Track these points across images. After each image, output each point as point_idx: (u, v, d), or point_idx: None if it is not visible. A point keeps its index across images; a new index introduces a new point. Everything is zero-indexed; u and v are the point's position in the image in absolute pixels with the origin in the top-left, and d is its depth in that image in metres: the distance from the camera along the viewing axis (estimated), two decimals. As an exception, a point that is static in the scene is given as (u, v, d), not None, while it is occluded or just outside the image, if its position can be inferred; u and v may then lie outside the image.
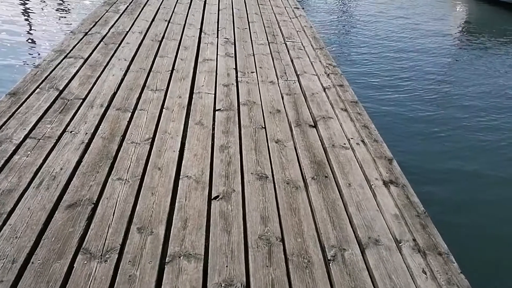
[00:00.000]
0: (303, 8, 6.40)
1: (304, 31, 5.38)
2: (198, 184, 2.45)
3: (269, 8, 6.35)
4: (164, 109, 3.22)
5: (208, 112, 3.26)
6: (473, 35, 11.06)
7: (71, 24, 7.92)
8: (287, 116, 3.31)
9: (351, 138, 3.04)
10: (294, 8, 6.37)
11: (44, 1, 9.38)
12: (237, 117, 3.22)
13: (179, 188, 2.41)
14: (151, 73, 3.82)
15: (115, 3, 5.81)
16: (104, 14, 5.27)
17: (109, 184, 2.37)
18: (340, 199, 2.45)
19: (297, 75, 4.07)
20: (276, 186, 2.50)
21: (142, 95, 3.41)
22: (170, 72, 3.88)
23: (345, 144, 2.97)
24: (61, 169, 2.44)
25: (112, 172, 2.47)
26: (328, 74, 4.12)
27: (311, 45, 4.89)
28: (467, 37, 10.90)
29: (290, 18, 5.90)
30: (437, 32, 10.64)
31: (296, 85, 3.87)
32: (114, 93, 3.37)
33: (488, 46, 10.16)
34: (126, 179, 2.42)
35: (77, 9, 9.05)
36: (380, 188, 2.55)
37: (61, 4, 9.37)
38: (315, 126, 3.19)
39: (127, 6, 5.70)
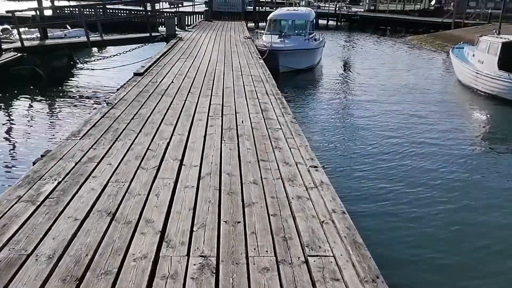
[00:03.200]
0: (323, 167, 4.37)
1: (333, 222, 3.27)
2: None
3: (274, 166, 4.33)
4: None
5: None
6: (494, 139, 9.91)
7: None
8: None
9: None
10: (311, 166, 4.33)
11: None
12: None
13: None
14: None
15: (41, 178, 3.82)
16: (7, 211, 3.23)
17: None
18: None
19: None
20: None
21: None
22: None
23: None
24: None
25: None
26: None
27: (353, 266, 2.73)
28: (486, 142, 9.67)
29: (307, 188, 3.84)
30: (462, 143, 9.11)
31: None
32: None
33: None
34: None
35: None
36: None
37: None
38: None
39: (55, 187, 3.68)
